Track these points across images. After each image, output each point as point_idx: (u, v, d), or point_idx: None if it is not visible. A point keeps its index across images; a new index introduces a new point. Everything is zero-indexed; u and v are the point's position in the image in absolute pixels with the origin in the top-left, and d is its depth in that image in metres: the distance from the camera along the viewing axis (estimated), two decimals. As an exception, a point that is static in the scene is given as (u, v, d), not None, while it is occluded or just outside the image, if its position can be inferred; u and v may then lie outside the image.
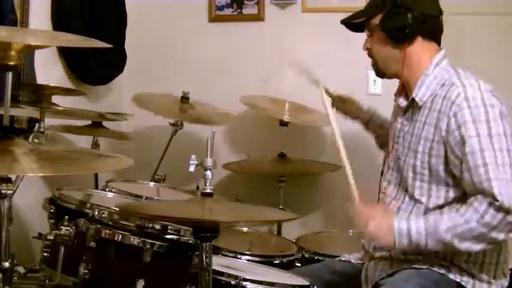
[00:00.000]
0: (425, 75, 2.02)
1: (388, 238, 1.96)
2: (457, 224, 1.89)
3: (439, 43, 2.09)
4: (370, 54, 2.13)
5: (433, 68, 2.03)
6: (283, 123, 3.18)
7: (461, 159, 1.90)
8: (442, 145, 1.95)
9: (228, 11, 3.54)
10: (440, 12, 2.09)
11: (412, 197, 2.03)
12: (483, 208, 1.85)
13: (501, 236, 1.88)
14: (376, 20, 2.06)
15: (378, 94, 3.32)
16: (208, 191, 1.72)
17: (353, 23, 2.16)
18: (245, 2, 3.51)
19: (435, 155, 1.97)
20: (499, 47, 3.34)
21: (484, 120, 1.89)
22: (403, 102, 2.10)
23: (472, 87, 1.94)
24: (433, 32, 2.07)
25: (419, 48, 2.04)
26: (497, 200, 1.83)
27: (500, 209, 1.83)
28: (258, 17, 3.51)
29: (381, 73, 2.14)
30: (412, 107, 2.06)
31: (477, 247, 1.90)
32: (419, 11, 2.02)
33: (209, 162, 1.71)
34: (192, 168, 1.74)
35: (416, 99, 2.02)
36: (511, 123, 1.94)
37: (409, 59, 2.04)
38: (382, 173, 2.20)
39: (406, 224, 1.95)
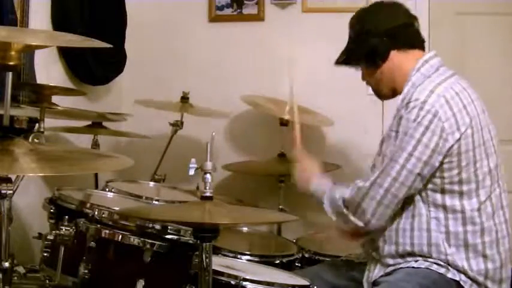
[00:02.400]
0: (408, 81, 2.03)
1: (306, 187, 2.17)
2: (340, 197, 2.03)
3: (419, 47, 2.09)
4: (368, 84, 2.20)
5: (413, 74, 2.03)
6: (283, 123, 3.17)
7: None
8: None
9: (228, 11, 3.54)
10: (411, 17, 2.08)
11: None
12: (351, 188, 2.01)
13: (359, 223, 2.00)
14: None
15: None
16: (208, 194, 1.73)
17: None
18: (245, 2, 3.51)
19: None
20: (500, 47, 3.34)
21: (412, 120, 1.91)
22: None
23: (424, 91, 1.94)
24: (407, 40, 2.07)
25: (397, 60, 2.05)
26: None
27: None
28: (258, 17, 3.51)
29: (381, 97, 2.21)
30: None
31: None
32: (383, 29, 2.03)
33: (209, 166, 1.72)
34: (192, 172, 1.76)
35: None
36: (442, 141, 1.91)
37: (391, 74, 2.06)
38: None
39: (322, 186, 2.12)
